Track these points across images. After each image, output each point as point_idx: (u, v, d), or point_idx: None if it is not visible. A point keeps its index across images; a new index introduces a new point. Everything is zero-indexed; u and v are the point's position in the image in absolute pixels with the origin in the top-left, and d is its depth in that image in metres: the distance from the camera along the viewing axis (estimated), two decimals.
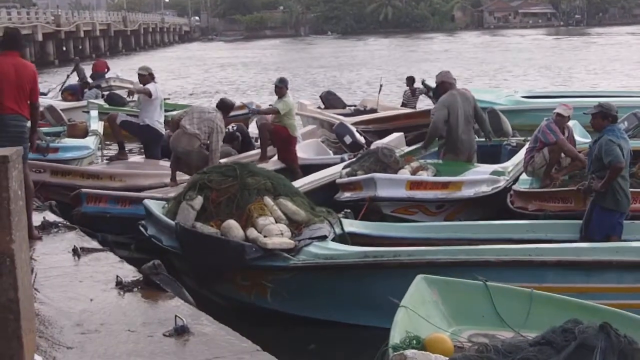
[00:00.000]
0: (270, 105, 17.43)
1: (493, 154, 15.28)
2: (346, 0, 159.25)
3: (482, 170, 13.65)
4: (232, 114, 21.98)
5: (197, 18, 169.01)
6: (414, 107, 23.92)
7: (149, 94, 15.75)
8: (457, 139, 14.45)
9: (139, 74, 16.92)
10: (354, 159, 14.43)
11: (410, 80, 25.27)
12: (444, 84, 14.84)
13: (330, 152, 16.96)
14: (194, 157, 13.59)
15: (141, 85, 16.33)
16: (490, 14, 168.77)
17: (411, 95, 24.73)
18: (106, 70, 37.18)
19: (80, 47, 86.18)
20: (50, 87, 32.64)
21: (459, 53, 75.01)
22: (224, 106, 14.76)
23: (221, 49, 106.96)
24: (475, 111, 14.89)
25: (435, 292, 7.09)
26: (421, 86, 24.96)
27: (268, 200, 9.94)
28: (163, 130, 16.18)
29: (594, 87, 35.95)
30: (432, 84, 24.18)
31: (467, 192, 12.51)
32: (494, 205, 12.52)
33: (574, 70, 50.81)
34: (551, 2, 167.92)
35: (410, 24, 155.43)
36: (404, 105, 24.52)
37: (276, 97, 15.92)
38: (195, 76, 55.67)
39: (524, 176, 13.18)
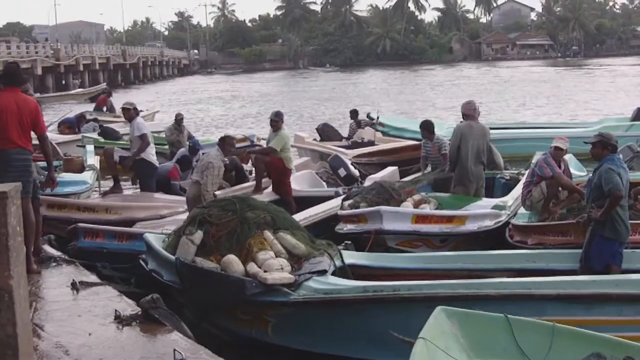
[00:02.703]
0: (263, 140, 17.56)
1: (486, 187, 15.31)
2: (344, 33, 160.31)
3: (484, 204, 13.69)
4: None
5: (196, 51, 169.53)
6: (340, 138, 24.93)
7: (147, 142, 15.86)
8: (468, 170, 14.51)
9: (123, 109, 17.03)
10: (355, 191, 14.41)
11: (354, 113, 26.13)
12: (464, 116, 14.98)
13: (324, 184, 16.96)
14: (198, 202, 13.57)
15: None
16: (488, 45, 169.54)
17: (356, 127, 25.30)
18: (105, 106, 37.29)
19: (80, 80, 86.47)
20: (52, 120, 32.79)
21: (450, 86, 75.39)
22: (223, 143, 14.88)
23: (220, 82, 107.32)
24: (489, 145, 15.01)
25: (455, 324, 7.02)
26: (366, 118, 26.14)
27: (268, 234, 9.93)
28: (156, 163, 16.27)
29: (554, 118, 37.51)
30: (381, 116, 25.86)
31: (471, 226, 12.55)
32: (493, 240, 12.51)
33: (555, 100, 51.98)
34: (548, 34, 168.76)
35: (409, 56, 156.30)
36: (349, 137, 25.01)
37: (271, 129, 15.97)
38: (195, 110, 55.68)
39: (521, 210, 13.23)
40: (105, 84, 75.22)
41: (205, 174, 14.12)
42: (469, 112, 15.00)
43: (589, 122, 29.32)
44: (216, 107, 58.05)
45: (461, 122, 15.34)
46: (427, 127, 16.96)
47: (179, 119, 22.79)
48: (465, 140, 14.52)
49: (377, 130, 24.87)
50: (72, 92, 58.94)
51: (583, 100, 51.06)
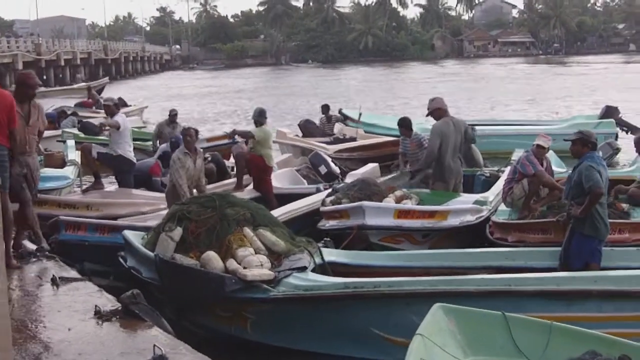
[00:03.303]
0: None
1: (466, 184, 15.33)
2: (327, 30, 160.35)
3: (465, 200, 13.71)
4: (215, 143, 22.19)
5: (178, 47, 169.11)
6: (322, 134, 24.79)
7: (117, 127, 15.79)
8: (446, 166, 14.52)
9: (104, 105, 16.99)
10: (337, 188, 14.42)
11: (326, 108, 26.16)
12: (439, 111, 14.85)
13: (305, 181, 16.96)
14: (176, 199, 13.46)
15: (109, 119, 16.35)
16: (469, 43, 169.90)
17: (327, 122, 25.51)
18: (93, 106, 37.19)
19: (61, 75, 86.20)
20: None
21: (430, 83, 75.58)
22: (183, 136, 14.69)
23: (202, 78, 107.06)
24: (466, 139, 14.99)
25: (452, 321, 7.03)
26: (337, 114, 26.25)
27: (247, 231, 9.90)
28: (134, 159, 16.23)
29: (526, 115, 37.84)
30: (351, 114, 26.24)
31: (453, 221, 12.55)
32: (474, 236, 12.54)
33: (528, 97, 52.37)
34: (530, 31, 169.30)
35: (391, 52, 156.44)
36: (301, 131, 25.23)
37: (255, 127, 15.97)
38: (176, 105, 55.46)
39: (502, 207, 13.26)
40: (107, 77, 75.29)
41: (171, 172, 14.05)
42: (443, 106, 14.94)
43: (559, 119, 29.61)
44: (197, 103, 57.84)
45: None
46: (404, 124, 16.95)
47: (172, 115, 22.59)
48: (445, 139, 14.53)
49: (347, 126, 25.28)
50: (75, 86, 58.86)
51: (560, 98, 51.31)
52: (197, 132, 14.83)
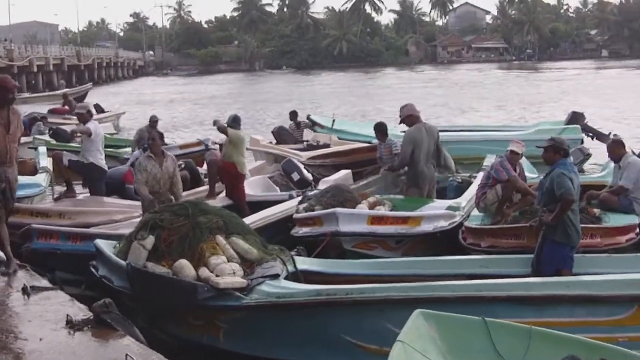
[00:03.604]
0: (215, 144, 17.51)
1: (438, 190, 15.41)
2: (301, 35, 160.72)
3: (438, 206, 13.74)
4: (188, 150, 22.13)
5: (151, 52, 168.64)
6: (301, 139, 24.73)
7: (88, 134, 15.70)
8: (420, 172, 14.58)
9: (77, 113, 16.87)
10: (310, 194, 14.42)
11: (294, 115, 26.19)
12: (411, 118, 14.90)
13: (277, 188, 16.95)
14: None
15: (82, 125, 16.25)
16: (443, 48, 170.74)
17: (296, 128, 25.47)
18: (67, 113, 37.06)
19: (34, 81, 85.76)
20: None
21: (403, 88, 75.94)
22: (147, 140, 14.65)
23: (175, 84, 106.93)
24: (437, 145, 15.04)
25: (432, 327, 6.99)
26: (306, 120, 26.37)
27: (220, 239, 9.88)
28: (106, 167, 16.14)
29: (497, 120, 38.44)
30: (319, 119, 26.72)
31: (427, 227, 12.60)
32: (447, 241, 12.57)
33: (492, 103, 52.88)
34: (503, 37, 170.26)
35: (365, 58, 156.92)
36: (275, 138, 25.06)
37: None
38: (150, 111, 55.40)
39: (475, 212, 13.33)
40: (91, 83, 75.00)
41: (136, 175, 14.00)
42: (415, 112, 15.00)
43: (525, 125, 29.85)
44: (170, 110, 57.66)
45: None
46: (379, 129, 16.99)
47: (153, 121, 22.43)
48: (418, 144, 14.58)
49: (315, 132, 25.43)
50: (59, 92, 58.78)
51: (531, 104, 51.69)
52: (161, 135, 14.75)
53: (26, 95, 56.79)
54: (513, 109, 47.81)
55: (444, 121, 37.87)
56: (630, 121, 37.82)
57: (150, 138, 14.30)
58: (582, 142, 23.21)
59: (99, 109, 40.76)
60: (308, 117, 27.11)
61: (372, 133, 21.17)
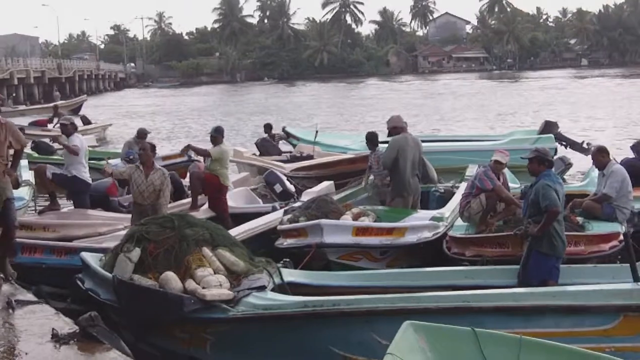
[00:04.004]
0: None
1: (421, 200, 15.48)
2: (282, 47, 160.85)
3: (422, 216, 13.78)
4: (170, 162, 22.08)
5: (132, 65, 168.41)
6: (279, 152, 24.98)
7: (75, 153, 15.63)
8: (406, 182, 14.62)
9: (61, 124, 16.79)
10: (295, 206, 14.42)
11: (268, 127, 26.30)
12: (396, 129, 14.99)
13: (260, 200, 16.94)
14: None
15: (63, 137, 16.18)
16: (424, 58, 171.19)
17: (271, 141, 25.54)
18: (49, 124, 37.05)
19: (14, 94, 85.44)
20: None
21: (383, 99, 76.07)
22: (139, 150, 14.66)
23: (156, 96, 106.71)
24: (421, 157, 15.11)
25: (422, 338, 6.96)
26: (281, 132, 26.73)
27: (206, 251, 9.87)
28: (90, 180, 16.06)
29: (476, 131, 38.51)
30: (294, 131, 27.13)
31: (411, 238, 12.62)
32: (432, 251, 12.60)
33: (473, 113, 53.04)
34: (484, 47, 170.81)
35: (346, 69, 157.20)
36: (258, 150, 25.21)
37: (211, 145, 15.92)
38: (134, 124, 55.32)
39: (458, 222, 13.38)
40: (85, 95, 75.15)
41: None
42: (400, 124, 15.09)
43: (498, 135, 29.98)
44: (151, 121, 57.46)
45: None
46: (370, 139, 17.00)
47: (141, 134, 22.30)
48: (403, 152, 14.63)
49: (291, 144, 25.92)
50: (58, 103, 58.73)
51: (508, 113, 52.08)
52: (153, 147, 14.66)
53: (23, 107, 56.67)
54: (490, 119, 48.03)
55: (422, 131, 37.88)
56: (606, 130, 38.10)
57: (142, 148, 14.27)
58: (556, 151, 23.30)
59: (86, 121, 40.81)
60: (283, 129, 27.35)
61: (353, 145, 21.25)
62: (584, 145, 25.13)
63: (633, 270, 9.37)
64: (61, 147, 16.76)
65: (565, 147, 24.92)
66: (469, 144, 26.41)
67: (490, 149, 22.58)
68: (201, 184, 15.64)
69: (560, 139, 25.51)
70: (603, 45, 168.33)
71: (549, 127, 26.18)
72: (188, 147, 17.55)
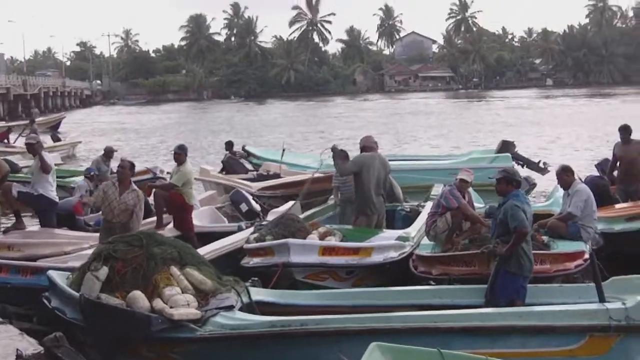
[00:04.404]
0: (168, 173, 17.40)
1: (387, 220, 15.49)
2: (249, 65, 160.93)
3: (388, 236, 13.80)
4: (135, 179, 21.97)
5: (98, 82, 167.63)
6: (245, 170, 25.22)
7: (47, 171, 15.54)
8: (370, 200, 14.65)
9: (27, 144, 16.71)
10: (261, 225, 14.39)
11: (229, 145, 26.55)
12: (366, 148, 15.07)
13: (225, 219, 16.90)
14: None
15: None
16: (390, 77, 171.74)
17: (238, 160, 25.80)
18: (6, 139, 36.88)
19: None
20: None
21: (348, 117, 76.37)
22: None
23: (122, 113, 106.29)
24: (388, 178, 15.18)
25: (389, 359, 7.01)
26: (241, 150, 26.89)
27: (174, 270, 9.83)
28: (57, 199, 15.96)
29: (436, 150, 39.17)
30: (254, 150, 27.42)
31: (377, 257, 12.63)
32: (398, 270, 12.62)
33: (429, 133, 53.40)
34: (450, 66, 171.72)
35: (313, 87, 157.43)
36: (223, 167, 25.32)
37: (175, 163, 15.89)
38: (94, 143, 55.12)
39: (425, 241, 13.41)
40: (64, 112, 74.96)
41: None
42: (369, 144, 15.20)
43: (458, 154, 30.22)
44: (116, 139, 57.16)
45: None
46: (340, 157, 17.04)
47: (108, 152, 22.14)
48: (367, 170, 14.68)
49: (251, 163, 26.03)
50: (38, 119, 58.52)
51: (473, 132, 52.36)
52: (132, 165, 14.57)
53: (2, 124, 56.30)
54: (453, 138, 48.24)
55: (389, 150, 37.98)
56: (567, 149, 38.44)
57: (120, 165, 14.27)
58: None
59: (56, 138, 40.67)
60: (243, 148, 27.41)
61: (316, 164, 21.28)
62: (541, 164, 25.52)
63: (599, 290, 9.45)
64: (27, 165, 16.65)
65: (522, 167, 25.09)
66: (428, 163, 26.68)
67: (449, 167, 23.60)
68: (165, 202, 15.57)
69: (517, 158, 25.74)
70: (568, 66, 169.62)
71: (506, 146, 26.46)
72: (150, 187, 17.44)
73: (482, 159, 25.08)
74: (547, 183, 22.58)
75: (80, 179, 20.59)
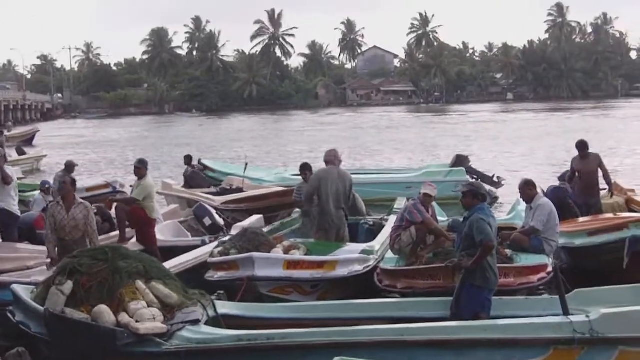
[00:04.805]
0: (131, 186, 17.31)
1: (350, 233, 15.51)
2: (211, 79, 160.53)
3: (352, 249, 13.80)
4: (95, 192, 21.81)
5: (60, 95, 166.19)
6: (208, 184, 25.16)
7: (8, 182, 15.41)
8: (328, 213, 14.67)
9: None
10: (225, 239, 14.35)
11: (188, 159, 26.53)
12: (326, 162, 15.19)
13: (189, 234, 16.85)
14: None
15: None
16: (353, 91, 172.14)
17: (200, 173, 25.90)
18: None
19: (12, 122, 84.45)
20: None
21: (309, 131, 76.49)
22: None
23: (83, 127, 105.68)
24: (349, 192, 15.19)
25: None
26: (198, 164, 27.01)
27: (140, 284, 9.79)
28: (19, 213, 15.83)
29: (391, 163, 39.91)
30: (210, 163, 27.71)
31: (342, 271, 12.63)
32: (363, 284, 12.64)
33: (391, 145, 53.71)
34: (412, 80, 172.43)
35: (275, 101, 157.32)
36: (186, 181, 25.25)
37: (136, 177, 15.82)
38: (55, 157, 54.76)
39: (389, 254, 13.42)
40: (37, 126, 74.67)
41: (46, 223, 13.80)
42: (329, 158, 15.25)
43: (414, 168, 30.47)
44: (76, 153, 56.70)
45: None
46: (307, 169, 17.12)
47: (69, 166, 21.99)
48: (324, 184, 14.72)
49: (207, 176, 26.14)
50: (7, 134, 58.14)
51: (431, 145, 52.73)
52: (73, 181, 14.19)
53: None
54: (412, 151, 48.45)
55: (352, 163, 38.06)
56: (526, 162, 38.74)
57: (62, 182, 14.00)
58: None
59: (21, 152, 40.31)
60: (199, 161, 27.45)
61: (277, 178, 21.30)
62: (495, 178, 25.85)
63: (563, 303, 9.53)
64: None
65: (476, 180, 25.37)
66: (385, 177, 26.91)
67: (405, 181, 24.36)
68: (127, 216, 15.49)
69: (471, 172, 26.08)
70: (528, 80, 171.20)
71: (460, 160, 26.88)
72: (112, 201, 17.33)
73: (437, 172, 25.45)
74: (508, 196, 22.78)
75: (37, 192, 20.45)
